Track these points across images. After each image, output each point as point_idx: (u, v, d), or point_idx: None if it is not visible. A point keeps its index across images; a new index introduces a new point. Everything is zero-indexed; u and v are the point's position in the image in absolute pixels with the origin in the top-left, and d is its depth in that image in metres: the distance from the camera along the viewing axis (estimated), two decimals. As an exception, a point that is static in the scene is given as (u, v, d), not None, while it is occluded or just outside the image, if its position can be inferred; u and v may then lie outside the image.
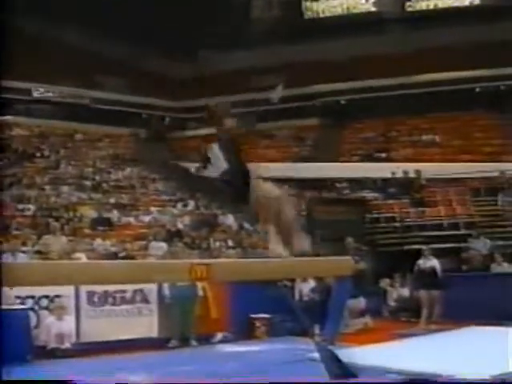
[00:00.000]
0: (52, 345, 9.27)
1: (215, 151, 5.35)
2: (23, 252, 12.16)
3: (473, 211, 18.14)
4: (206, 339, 10.52)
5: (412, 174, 20.34)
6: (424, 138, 24.61)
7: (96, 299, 10.10)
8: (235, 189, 5.27)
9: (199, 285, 10.39)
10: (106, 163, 22.98)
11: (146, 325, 10.49)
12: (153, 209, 18.65)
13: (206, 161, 5.41)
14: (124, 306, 10.36)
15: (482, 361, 7.04)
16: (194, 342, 10.32)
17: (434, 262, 11.81)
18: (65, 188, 18.95)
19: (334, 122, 27.90)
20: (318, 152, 25.08)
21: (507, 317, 10.22)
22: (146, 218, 17.71)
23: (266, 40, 29.74)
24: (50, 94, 27.99)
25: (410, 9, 31.33)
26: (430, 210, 18.57)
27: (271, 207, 5.32)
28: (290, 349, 8.67)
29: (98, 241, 14.83)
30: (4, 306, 7.30)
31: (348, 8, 32.20)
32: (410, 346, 9.09)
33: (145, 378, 7.00)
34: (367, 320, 12.12)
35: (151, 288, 10.51)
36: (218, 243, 15.93)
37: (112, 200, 18.89)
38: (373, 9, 31.82)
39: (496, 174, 19.24)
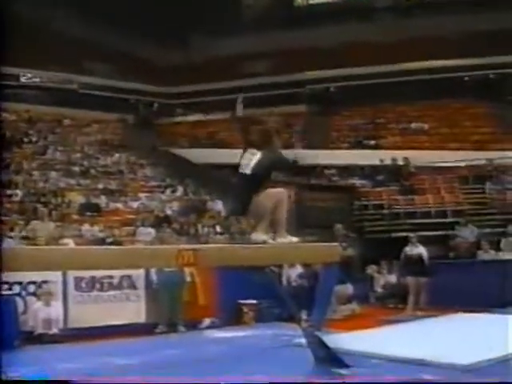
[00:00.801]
0: (39, 330, 9.26)
1: (254, 156, 5.93)
2: (11, 237, 12.13)
3: (461, 199, 18.21)
4: (193, 325, 10.53)
5: (400, 162, 20.40)
6: (413, 125, 24.64)
7: (83, 285, 10.09)
8: (245, 194, 5.85)
9: (187, 270, 10.39)
10: (94, 149, 22.89)
11: (134, 310, 10.49)
12: (141, 194, 18.64)
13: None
14: (111, 292, 10.35)
15: (468, 347, 7.10)
16: (181, 328, 10.33)
17: (421, 249, 11.87)
18: (53, 173, 18.87)
19: (324, 109, 27.89)
20: (306, 139, 25.06)
21: (493, 303, 10.32)
22: (135, 204, 17.68)
23: (257, 26, 29.64)
24: (38, 80, 27.82)
25: (400, -4, 31.28)
26: (418, 197, 18.62)
27: (273, 198, 5.90)
28: (278, 334, 8.69)
29: (86, 226, 14.82)
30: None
31: (338, -6, 32.09)
32: (396, 332, 9.14)
33: (132, 363, 7.00)
34: (354, 306, 12.17)
35: (139, 274, 10.51)
36: (206, 229, 15.94)
37: (100, 186, 18.84)
38: (363, -4, 31.73)
39: (484, 162, 19.32)
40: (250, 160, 5.94)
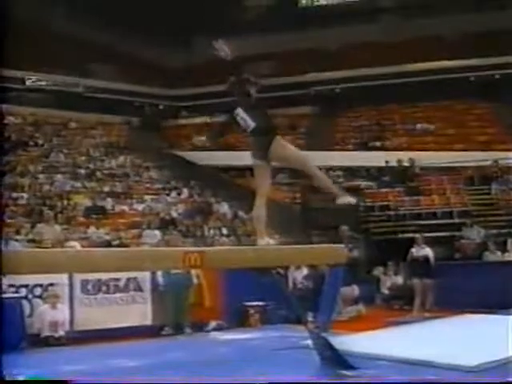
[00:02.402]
0: (46, 333, 9.27)
1: (241, 115, 5.99)
2: (17, 240, 12.16)
3: (466, 200, 18.17)
4: (199, 327, 10.53)
5: (406, 163, 20.37)
6: (418, 126, 24.59)
7: (90, 287, 10.11)
8: (262, 144, 5.93)
9: (193, 272, 10.40)
10: (99, 151, 22.91)
11: (140, 313, 10.51)
12: (147, 197, 18.66)
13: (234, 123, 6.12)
14: (118, 294, 10.37)
15: (475, 348, 7.08)
16: (187, 330, 10.33)
17: (427, 251, 11.82)
18: (58, 176, 18.90)
19: (328, 111, 27.84)
20: (311, 140, 25.04)
21: (500, 305, 10.27)
22: (140, 207, 17.72)
23: (261, 28, 29.64)
24: (44, 83, 27.86)
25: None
26: (424, 198, 18.61)
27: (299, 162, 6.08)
28: (284, 336, 8.67)
29: (92, 229, 14.85)
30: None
31: (342, -4, 32.05)
32: (402, 333, 9.11)
33: (138, 365, 7.01)
34: (360, 308, 12.16)
35: (145, 276, 10.52)
36: (212, 231, 15.96)
37: (106, 188, 18.89)
38: (367, -3, 31.67)
39: (490, 162, 19.28)
40: (244, 119, 6.00)
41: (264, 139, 5.93)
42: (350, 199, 5.94)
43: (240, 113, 6.01)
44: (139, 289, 10.58)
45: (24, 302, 9.42)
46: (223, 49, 6.05)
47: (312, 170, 6.03)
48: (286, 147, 6.01)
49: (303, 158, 6.11)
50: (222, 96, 6.51)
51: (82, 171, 20.11)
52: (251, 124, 5.95)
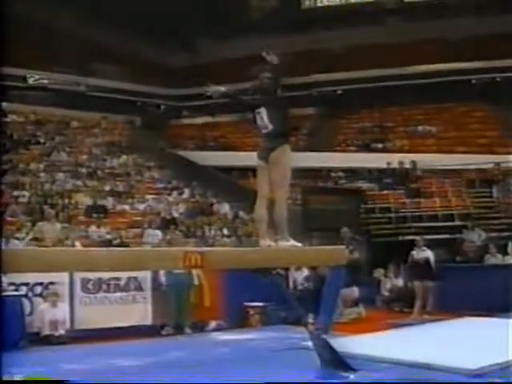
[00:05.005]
0: (46, 332, 9.28)
1: (262, 114, 6.12)
2: (18, 239, 12.14)
3: (468, 203, 18.16)
4: (200, 327, 10.53)
5: (408, 165, 20.37)
6: (420, 128, 24.59)
7: (90, 286, 10.10)
8: (271, 146, 6.06)
9: (194, 273, 10.40)
10: (101, 150, 22.89)
11: (140, 312, 10.50)
12: (148, 196, 18.65)
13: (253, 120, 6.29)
14: (118, 293, 10.37)
15: (475, 351, 7.07)
16: (187, 330, 10.33)
17: (428, 253, 11.82)
18: (60, 175, 18.89)
19: (330, 112, 27.85)
20: (313, 141, 25.04)
21: (500, 308, 10.27)
22: (141, 206, 17.71)
23: (264, 29, 29.63)
24: (46, 81, 27.86)
25: (407, -1, 31.21)
26: (425, 200, 18.60)
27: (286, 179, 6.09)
28: (284, 337, 8.68)
29: (93, 228, 14.84)
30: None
31: (346, -3, 32.04)
32: (402, 335, 9.11)
33: (138, 364, 7.01)
34: (361, 309, 12.14)
35: (145, 275, 10.52)
36: (213, 231, 15.95)
37: (107, 187, 18.87)
38: (371, -1, 31.66)
39: (491, 165, 19.27)
40: (262, 118, 6.10)
41: (274, 142, 5.96)
42: (296, 243, 6.01)
43: (262, 112, 6.11)
44: (140, 288, 10.58)
45: (24, 300, 9.40)
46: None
47: (282, 200, 6.06)
48: (286, 160, 6.02)
49: (286, 184, 6.12)
50: (223, 96, 6.50)
51: (84, 170, 20.09)
52: (269, 126, 6.01)
